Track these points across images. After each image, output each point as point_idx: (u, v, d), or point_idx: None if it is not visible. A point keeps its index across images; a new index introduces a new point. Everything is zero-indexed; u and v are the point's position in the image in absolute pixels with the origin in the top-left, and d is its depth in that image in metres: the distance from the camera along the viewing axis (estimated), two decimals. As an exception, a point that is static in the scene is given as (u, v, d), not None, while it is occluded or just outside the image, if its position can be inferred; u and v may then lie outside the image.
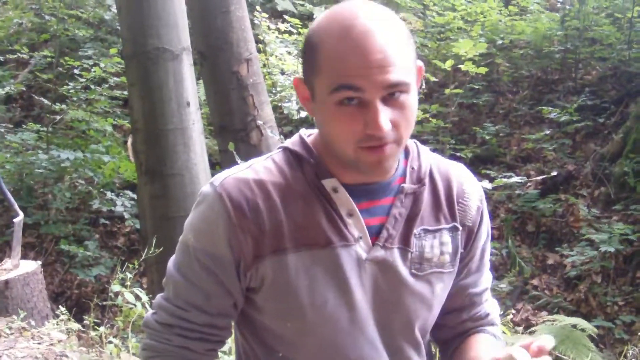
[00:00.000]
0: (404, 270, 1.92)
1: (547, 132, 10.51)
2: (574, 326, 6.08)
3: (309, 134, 1.97)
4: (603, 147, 10.01)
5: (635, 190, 9.00)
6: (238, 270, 1.86)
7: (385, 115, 1.71)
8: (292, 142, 1.95)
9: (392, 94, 1.73)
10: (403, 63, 1.72)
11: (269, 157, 1.94)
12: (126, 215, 9.30)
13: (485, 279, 2.18)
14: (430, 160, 2.02)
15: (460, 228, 2.02)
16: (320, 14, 1.83)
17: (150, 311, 2.02)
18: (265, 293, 1.88)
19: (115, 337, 4.98)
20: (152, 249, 5.33)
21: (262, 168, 1.89)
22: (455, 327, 2.18)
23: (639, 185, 8.95)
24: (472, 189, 2.06)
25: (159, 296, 2.00)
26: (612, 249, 8.11)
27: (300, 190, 1.87)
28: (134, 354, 4.77)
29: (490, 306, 2.22)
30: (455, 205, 2.01)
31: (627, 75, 11.02)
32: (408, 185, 1.94)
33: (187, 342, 1.93)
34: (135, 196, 8.84)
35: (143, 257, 5.36)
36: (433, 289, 1.99)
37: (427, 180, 1.98)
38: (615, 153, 9.62)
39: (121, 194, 9.59)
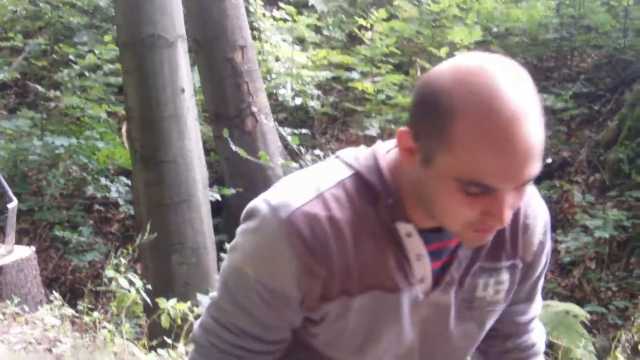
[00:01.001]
0: (454, 309, 1.82)
1: (543, 119, 10.48)
2: (568, 312, 6.09)
3: (386, 151, 1.73)
4: (598, 134, 10.01)
5: (630, 177, 9.00)
6: (302, 306, 1.73)
7: (508, 206, 1.54)
8: (366, 168, 1.70)
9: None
10: (540, 153, 1.52)
11: (339, 182, 1.69)
12: (120, 202, 9.30)
13: (535, 308, 2.07)
14: None
15: (521, 265, 1.88)
16: (448, 64, 1.56)
17: (199, 327, 1.88)
18: (323, 326, 1.77)
19: (109, 322, 4.98)
20: (147, 235, 5.33)
21: (332, 199, 1.66)
22: (499, 355, 2.10)
23: (633, 172, 8.95)
24: (537, 222, 1.88)
25: (208, 313, 1.86)
26: (606, 235, 8.12)
27: (371, 229, 1.68)
28: (127, 339, 4.77)
29: (537, 335, 2.12)
30: (518, 240, 1.85)
31: (622, 63, 11.02)
32: None
33: None
34: (129, 182, 8.84)
35: (137, 243, 5.35)
36: (482, 326, 1.91)
37: None
38: (610, 140, 9.62)
39: (115, 180, 9.58)
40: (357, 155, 1.74)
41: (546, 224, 1.92)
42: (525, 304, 2.02)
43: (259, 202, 1.70)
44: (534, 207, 1.87)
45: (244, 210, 1.75)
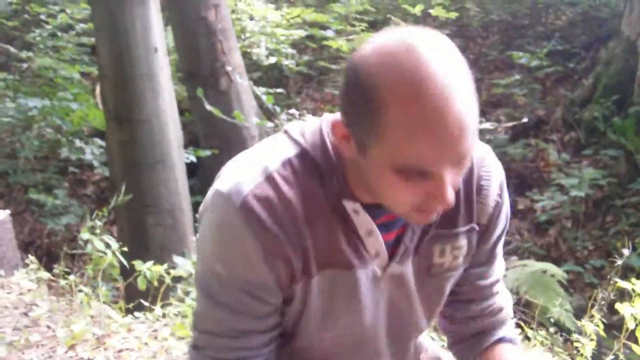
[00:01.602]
0: (413, 278, 1.82)
1: (517, 77, 10.51)
2: (544, 271, 6.12)
3: (332, 125, 1.63)
4: (573, 93, 10.03)
5: (605, 135, 9.03)
6: (278, 287, 1.71)
7: (450, 185, 1.51)
8: (312, 145, 1.68)
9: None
10: (475, 124, 1.49)
11: (286, 159, 1.67)
12: (95, 164, 9.23)
13: (496, 270, 2.04)
14: None
15: (477, 228, 1.86)
16: (372, 45, 1.50)
17: (192, 349, 1.84)
18: (290, 307, 1.77)
19: (85, 285, 4.96)
20: (122, 196, 5.30)
21: (280, 180, 1.64)
22: (465, 321, 2.07)
23: (609, 130, 8.97)
24: (492, 182, 1.85)
25: (196, 330, 1.82)
26: (582, 194, 8.16)
27: (320, 207, 1.67)
28: (104, 302, 4.76)
29: (503, 299, 2.09)
30: (473, 203, 1.83)
31: (597, 21, 11.03)
32: None
33: None
34: (104, 144, 8.78)
35: (112, 205, 5.32)
36: (443, 289, 1.91)
37: None
38: (585, 98, 9.64)
39: (90, 142, 9.51)
40: (303, 131, 1.72)
41: (502, 183, 1.89)
42: (485, 267, 2.00)
43: (210, 195, 1.69)
44: (487, 167, 1.86)
45: (200, 207, 1.76)
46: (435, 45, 1.46)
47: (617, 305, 3.83)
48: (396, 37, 1.47)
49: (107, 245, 4.91)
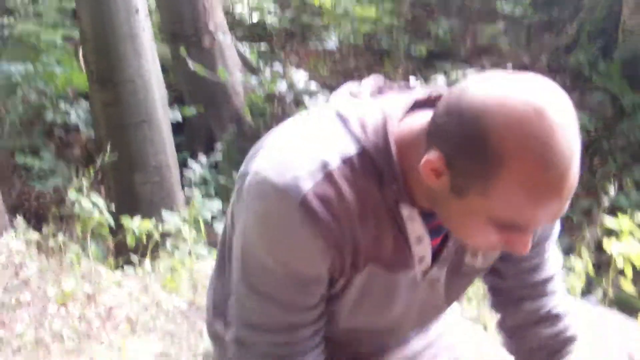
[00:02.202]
0: (445, 279, 1.78)
1: (502, 25, 10.48)
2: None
3: (397, 119, 1.60)
4: (558, 39, 10.02)
5: (590, 80, 9.04)
6: (329, 279, 1.66)
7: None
8: (374, 146, 1.58)
9: None
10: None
11: (347, 157, 1.58)
12: (81, 126, 9.21)
13: (549, 265, 1.97)
14: None
15: None
16: (495, 99, 1.41)
17: (235, 345, 1.76)
18: (331, 298, 1.73)
19: (75, 245, 4.97)
20: (108, 156, 5.30)
21: (341, 179, 1.56)
22: (526, 333, 2.01)
23: (594, 75, 8.99)
24: None
25: (238, 331, 1.74)
26: (569, 139, 8.18)
27: (374, 208, 1.60)
28: (94, 260, 4.77)
29: (560, 302, 2.01)
30: None
31: (580, -34, 10.99)
32: None
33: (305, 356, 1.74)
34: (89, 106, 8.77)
35: (99, 165, 5.32)
36: (469, 284, 1.90)
37: None
38: (570, 45, 9.64)
39: (75, 104, 9.48)
40: (364, 123, 1.60)
41: None
42: (533, 260, 1.94)
43: (257, 180, 1.59)
44: None
45: (244, 180, 1.64)
46: (561, 106, 1.41)
47: (605, 242, 3.86)
48: (524, 94, 1.41)
49: (95, 205, 4.91)
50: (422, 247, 1.67)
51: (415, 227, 1.63)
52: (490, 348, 2.39)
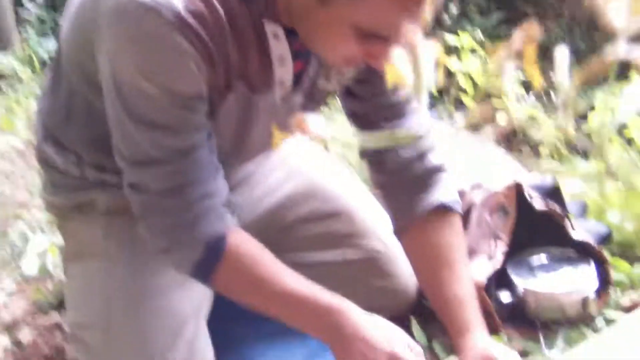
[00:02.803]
0: (298, 102, 1.79)
1: None
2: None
3: None
4: None
5: None
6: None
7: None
8: None
9: None
10: None
11: None
12: None
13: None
14: None
15: None
16: None
17: (131, 194, 1.66)
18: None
19: None
20: None
21: None
22: (397, 171, 1.94)
23: None
24: None
25: (129, 173, 1.65)
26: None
27: (242, 26, 1.56)
28: None
29: (421, 121, 1.96)
30: None
31: None
32: None
33: (206, 182, 1.65)
34: None
35: None
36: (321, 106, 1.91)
37: None
38: None
39: None
40: None
41: None
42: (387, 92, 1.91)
43: (130, 3, 1.48)
44: None
45: (110, 8, 1.52)
46: None
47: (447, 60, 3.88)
48: None
49: None
50: (284, 69, 1.67)
51: (279, 46, 1.62)
52: (326, 160, 2.39)
